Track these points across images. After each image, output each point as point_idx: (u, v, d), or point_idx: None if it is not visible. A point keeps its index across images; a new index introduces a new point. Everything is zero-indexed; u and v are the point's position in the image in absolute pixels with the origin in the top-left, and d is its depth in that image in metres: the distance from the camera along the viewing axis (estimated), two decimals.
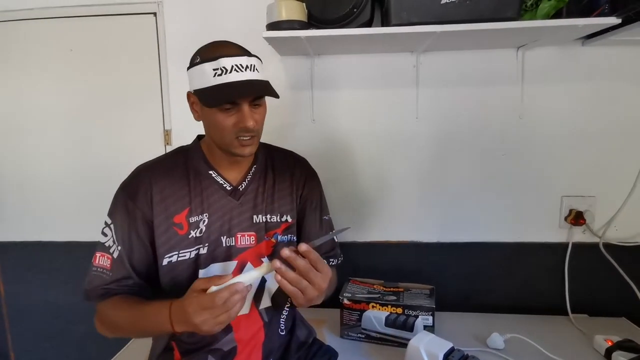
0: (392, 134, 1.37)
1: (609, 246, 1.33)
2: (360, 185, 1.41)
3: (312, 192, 1.01)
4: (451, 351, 0.98)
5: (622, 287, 1.31)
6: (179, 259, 0.87)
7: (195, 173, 0.91)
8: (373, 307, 1.19)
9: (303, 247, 0.74)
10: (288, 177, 0.98)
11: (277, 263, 0.73)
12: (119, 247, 0.86)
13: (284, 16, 1.09)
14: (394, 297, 1.20)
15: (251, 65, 0.81)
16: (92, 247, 0.88)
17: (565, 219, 1.35)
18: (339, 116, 1.38)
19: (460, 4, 1.03)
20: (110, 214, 0.88)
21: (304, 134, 1.38)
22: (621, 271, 1.31)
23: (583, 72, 1.29)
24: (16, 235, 1.53)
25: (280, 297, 0.96)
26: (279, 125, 1.37)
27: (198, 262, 0.88)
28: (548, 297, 1.37)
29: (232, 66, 0.79)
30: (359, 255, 1.42)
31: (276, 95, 0.82)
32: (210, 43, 0.85)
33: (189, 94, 0.87)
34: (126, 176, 0.90)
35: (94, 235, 0.89)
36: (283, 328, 0.98)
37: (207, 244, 0.88)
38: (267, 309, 0.95)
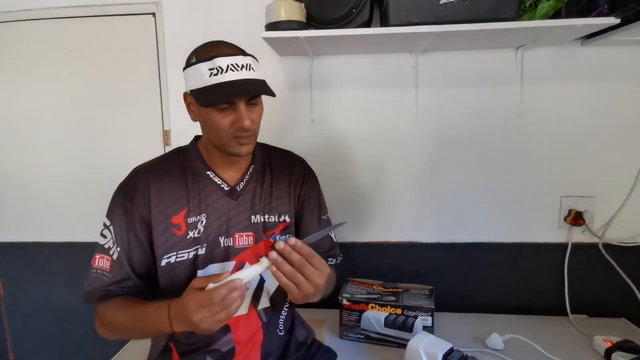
0: (391, 134, 1.37)
1: (608, 246, 1.32)
2: (359, 186, 1.40)
3: (310, 192, 1.00)
4: (450, 352, 0.98)
5: (622, 288, 1.31)
6: (177, 259, 0.87)
7: (192, 174, 0.91)
8: (372, 307, 1.18)
9: (292, 240, 0.73)
10: (286, 177, 0.98)
11: (274, 254, 0.73)
12: (118, 249, 0.86)
13: (283, 16, 1.09)
14: (393, 298, 1.20)
15: (247, 64, 0.81)
16: (91, 248, 0.88)
17: (565, 219, 1.35)
18: (338, 116, 1.38)
19: (459, 4, 1.03)
20: (108, 216, 0.88)
21: (303, 134, 1.38)
22: (621, 272, 1.31)
23: (582, 72, 1.29)
24: (15, 236, 1.53)
25: (278, 297, 0.96)
26: (278, 126, 1.37)
27: (196, 263, 0.88)
28: (547, 298, 1.37)
29: (228, 65, 0.79)
30: (358, 256, 1.42)
31: (272, 94, 0.82)
32: (205, 43, 0.85)
33: (185, 95, 0.87)
34: (124, 177, 0.90)
35: (94, 236, 0.89)
36: (282, 328, 0.98)
37: (205, 245, 0.88)
38: (265, 309, 0.95)
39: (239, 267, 0.90)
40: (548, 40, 1.20)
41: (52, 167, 1.48)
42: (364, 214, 1.42)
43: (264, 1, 1.13)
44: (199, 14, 1.36)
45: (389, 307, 1.17)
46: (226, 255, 0.90)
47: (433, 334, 1.08)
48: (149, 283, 0.89)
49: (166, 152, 0.98)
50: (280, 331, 0.97)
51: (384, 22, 1.11)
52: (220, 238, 0.89)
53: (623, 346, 1.07)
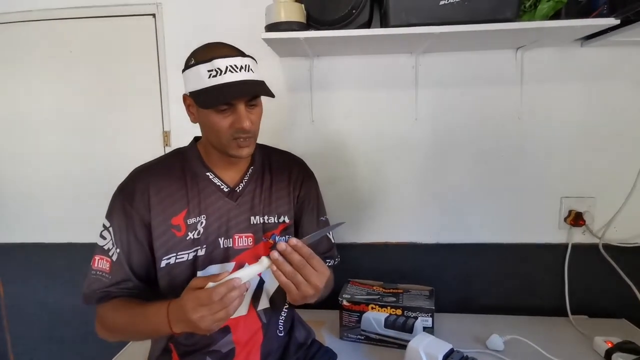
0: (391, 135, 1.37)
1: (608, 247, 1.32)
2: (359, 186, 1.40)
3: (309, 193, 1.00)
4: (450, 353, 0.98)
5: (622, 288, 1.30)
6: (177, 260, 0.87)
7: (192, 175, 0.91)
8: (372, 308, 1.18)
9: (293, 240, 0.74)
10: (285, 177, 0.98)
11: (275, 254, 0.73)
12: (118, 250, 0.85)
13: (283, 17, 1.09)
14: (394, 299, 1.20)
15: (246, 65, 0.81)
16: (91, 249, 0.88)
17: (565, 219, 1.34)
18: (338, 117, 1.38)
19: (459, 4, 1.03)
20: (108, 217, 0.88)
21: (302, 135, 1.38)
22: (621, 272, 1.31)
23: (582, 72, 1.29)
24: (15, 237, 1.53)
25: (278, 297, 0.95)
26: (278, 126, 1.37)
27: (196, 264, 0.88)
28: (548, 298, 1.37)
29: (227, 67, 0.79)
30: (358, 257, 1.42)
31: (271, 95, 0.82)
32: (204, 45, 0.85)
33: (184, 97, 0.87)
34: (124, 178, 0.90)
35: (94, 237, 0.89)
36: (282, 329, 0.98)
37: (204, 246, 0.88)
38: (265, 310, 0.94)
39: (239, 268, 0.90)
40: (548, 41, 1.20)
41: (53, 167, 1.48)
42: (364, 215, 1.41)
43: (264, 2, 1.13)
44: (198, 15, 1.36)
45: (389, 307, 1.17)
46: (226, 256, 0.90)
47: (433, 334, 1.08)
48: (149, 284, 0.89)
49: (165, 153, 0.98)
50: (280, 332, 0.97)
51: (384, 23, 1.11)
52: (219, 239, 0.89)
53: (623, 347, 1.07)
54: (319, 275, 0.75)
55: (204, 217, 0.88)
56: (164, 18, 1.37)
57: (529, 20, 1.09)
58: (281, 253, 0.73)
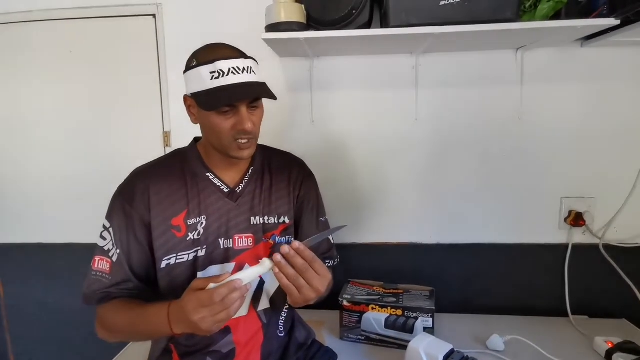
0: (391, 135, 1.37)
1: (609, 247, 1.32)
2: (359, 187, 1.40)
3: (309, 193, 1.00)
4: (451, 353, 0.98)
5: (622, 289, 1.30)
6: (177, 261, 0.87)
7: (192, 175, 0.90)
8: (373, 308, 1.18)
9: (296, 244, 0.74)
10: (285, 178, 0.98)
11: (278, 257, 0.73)
12: (118, 251, 0.85)
13: (283, 18, 1.09)
14: (394, 299, 1.20)
15: (248, 67, 0.81)
16: (92, 249, 0.88)
17: (565, 220, 1.34)
18: (338, 118, 1.38)
19: (459, 5, 1.03)
20: (108, 218, 0.88)
21: (303, 135, 1.38)
22: (621, 272, 1.31)
23: (582, 73, 1.29)
24: (16, 237, 1.53)
25: (278, 298, 0.95)
26: (278, 127, 1.37)
27: (196, 265, 0.88)
28: (548, 299, 1.37)
29: (229, 69, 0.79)
30: (359, 257, 1.42)
31: (274, 97, 0.82)
32: (205, 46, 0.85)
33: (185, 97, 0.87)
34: (125, 178, 0.90)
35: (94, 237, 0.89)
36: (282, 329, 0.98)
37: (205, 246, 0.88)
38: (265, 310, 0.95)
39: (239, 268, 0.90)
40: (548, 41, 1.20)
41: (53, 168, 1.48)
42: (364, 215, 1.41)
43: (264, 2, 1.13)
44: (199, 16, 1.36)
45: (389, 308, 1.17)
46: (226, 256, 0.90)
47: (434, 335, 1.08)
48: (149, 285, 0.89)
49: (165, 154, 0.98)
50: (281, 332, 0.97)
51: (384, 24, 1.11)
52: (220, 240, 0.89)
53: (624, 347, 1.07)
54: (321, 278, 0.76)
55: (204, 218, 0.88)
56: (165, 18, 1.37)
57: (529, 20, 1.09)
58: (284, 256, 0.73)
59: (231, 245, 0.90)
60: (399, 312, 1.16)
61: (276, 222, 0.95)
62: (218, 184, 0.91)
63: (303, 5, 1.12)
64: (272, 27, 1.11)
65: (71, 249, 1.49)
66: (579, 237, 1.35)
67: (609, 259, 1.32)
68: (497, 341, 1.14)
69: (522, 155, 1.34)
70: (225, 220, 0.90)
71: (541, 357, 1.09)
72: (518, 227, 1.37)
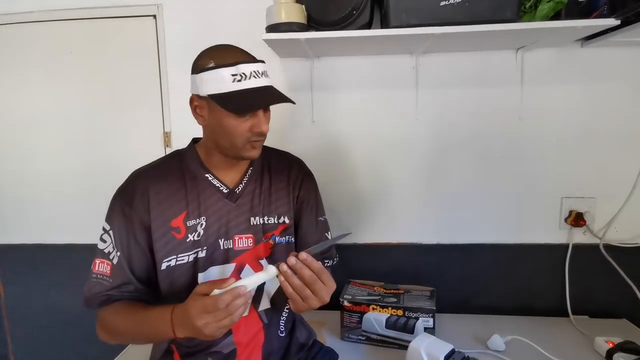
0: (391, 135, 1.37)
1: (609, 247, 1.32)
2: (360, 187, 1.40)
3: (308, 193, 1.01)
4: (452, 353, 0.98)
5: (623, 289, 1.30)
6: (177, 262, 0.87)
7: (191, 176, 0.90)
8: (373, 309, 1.18)
9: (303, 255, 0.75)
10: (284, 178, 0.98)
11: (284, 267, 0.74)
12: (118, 253, 0.85)
13: (284, 18, 1.09)
14: (395, 299, 1.20)
15: (264, 71, 0.84)
16: (92, 250, 0.88)
17: (566, 220, 1.35)
18: (339, 118, 1.38)
19: (459, 5, 1.03)
20: (107, 220, 0.88)
21: (303, 136, 1.38)
22: (622, 272, 1.31)
23: (582, 73, 1.29)
24: (16, 238, 1.53)
25: (279, 298, 0.96)
26: (279, 127, 1.37)
27: (197, 266, 0.88)
28: (548, 299, 1.37)
29: (251, 72, 0.80)
30: (359, 257, 1.42)
31: (293, 102, 0.85)
32: (217, 47, 0.85)
33: (193, 98, 0.86)
34: (124, 179, 0.90)
35: (94, 238, 0.89)
36: (283, 329, 0.98)
37: (205, 247, 0.88)
38: (266, 310, 0.95)
39: (239, 269, 0.90)
40: (548, 41, 1.20)
41: (53, 168, 1.48)
42: (365, 215, 1.42)
43: (265, 3, 1.13)
44: (199, 16, 1.36)
45: (390, 308, 1.17)
46: (226, 257, 0.90)
47: (434, 335, 1.08)
48: (150, 287, 0.89)
49: (164, 155, 0.98)
50: (281, 332, 0.97)
51: (385, 24, 1.11)
52: (220, 240, 0.89)
53: (624, 347, 1.07)
54: (327, 289, 0.76)
55: (203, 219, 0.88)
56: (165, 19, 1.37)
57: (529, 20, 1.09)
58: (290, 267, 0.74)
59: (231, 246, 0.90)
60: (400, 312, 1.16)
61: (276, 222, 0.95)
62: (217, 185, 0.91)
63: (303, 6, 1.12)
64: (272, 28, 1.11)
65: (71, 249, 1.49)
66: (579, 237, 1.35)
67: (610, 259, 1.32)
68: (497, 341, 1.14)
69: (522, 155, 1.34)
70: (225, 221, 0.90)
71: (542, 357, 1.09)
72: (519, 227, 1.37)
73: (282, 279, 0.74)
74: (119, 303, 0.86)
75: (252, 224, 0.92)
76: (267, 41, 1.12)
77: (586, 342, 1.18)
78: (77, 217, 1.48)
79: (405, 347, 1.02)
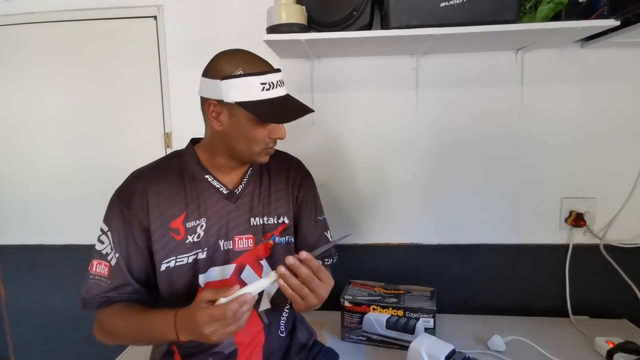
0: (392, 136, 1.37)
1: (609, 247, 1.33)
2: (360, 187, 1.41)
3: (307, 194, 1.01)
4: (452, 353, 0.98)
5: (623, 289, 1.31)
6: (177, 264, 0.87)
7: (190, 177, 0.90)
8: (374, 309, 1.18)
9: (303, 254, 0.75)
10: (283, 178, 0.98)
11: (282, 269, 0.74)
12: (117, 255, 0.85)
13: (284, 19, 1.10)
14: (395, 300, 1.20)
15: (283, 79, 0.85)
16: (92, 251, 0.88)
17: (566, 220, 1.35)
18: (339, 118, 1.38)
19: (459, 6, 1.03)
20: (106, 221, 0.87)
21: (304, 136, 1.39)
22: (622, 272, 1.31)
23: (582, 74, 1.29)
24: (16, 238, 1.53)
25: (279, 298, 0.96)
26: None
27: (197, 267, 0.88)
28: (549, 299, 1.37)
29: (277, 82, 0.82)
30: (360, 258, 1.42)
31: (313, 110, 0.87)
32: (240, 53, 0.84)
33: (211, 103, 0.82)
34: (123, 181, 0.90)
35: (94, 239, 0.89)
36: (283, 330, 0.98)
37: (205, 249, 0.88)
38: (266, 311, 0.95)
39: (239, 269, 0.90)
40: (548, 42, 1.21)
41: (54, 169, 1.48)
42: (365, 216, 1.42)
43: (265, 4, 1.13)
44: (200, 17, 1.36)
45: (390, 308, 1.17)
46: (226, 258, 0.90)
47: (435, 335, 1.08)
48: (149, 288, 0.89)
49: (163, 156, 0.97)
50: (282, 333, 0.97)
51: (385, 25, 1.11)
52: (220, 241, 0.89)
53: (625, 347, 1.07)
54: (325, 286, 0.77)
55: (204, 220, 0.88)
56: (165, 20, 1.37)
57: (530, 21, 1.09)
58: (288, 267, 0.74)
59: (231, 247, 0.90)
60: (400, 312, 1.16)
61: (275, 222, 0.95)
62: (217, 186, 0.91)
63: (304, 7, 1.12)
64: (273, 29, 1.11)
65: (72, 250, 1.49)
66: (579, 237, 1.35)
67: (610, 259, 1.32)
68: (498, 341, 1.14)
69: (523, 156, 1.34)
70: (225, 222, 0.90)
71: (542, 358, 1.09)
72: (519, 227, 1.37)
73: (282, 282, 0.74)
74: (117, 305, 0.86)
75: (252, 224, 0.92)
76: (268, 42, 1.13)
77: (586, 343, 1.18)
78: (77, 217, 1.48)
79: (406, 348, 1.03)
